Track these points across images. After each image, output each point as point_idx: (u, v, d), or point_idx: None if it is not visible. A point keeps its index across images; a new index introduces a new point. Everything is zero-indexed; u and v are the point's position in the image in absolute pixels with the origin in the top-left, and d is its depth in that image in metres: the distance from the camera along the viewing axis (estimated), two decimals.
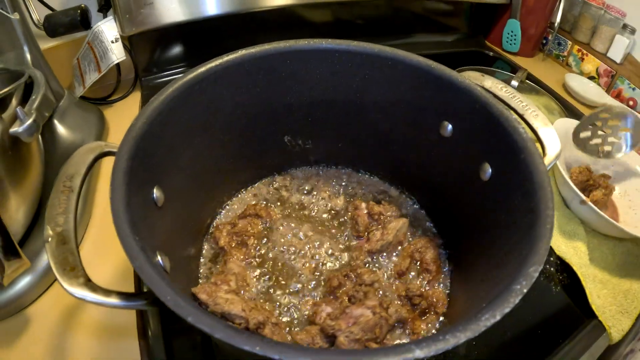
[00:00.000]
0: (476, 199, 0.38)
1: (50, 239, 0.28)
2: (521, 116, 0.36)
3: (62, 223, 0.29)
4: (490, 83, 0.39)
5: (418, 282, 0.41)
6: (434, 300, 0.38)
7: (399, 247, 0.44)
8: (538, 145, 0.35)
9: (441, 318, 0.39)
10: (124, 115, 0.70)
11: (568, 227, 0.54)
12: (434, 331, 0.38)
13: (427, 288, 0.41)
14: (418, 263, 0.43)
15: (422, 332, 0.37)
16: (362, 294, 0.37)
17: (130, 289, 0.45)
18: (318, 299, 0.39)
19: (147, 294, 0.26)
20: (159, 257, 0.28)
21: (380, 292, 0.40)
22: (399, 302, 0.39)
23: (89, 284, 0.26)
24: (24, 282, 0.44)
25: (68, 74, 0.75)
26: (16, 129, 0.42)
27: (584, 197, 0.51)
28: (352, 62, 0.41)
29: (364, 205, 0.46)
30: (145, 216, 0.28)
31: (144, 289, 0.42)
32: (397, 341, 0.36)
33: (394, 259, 0.43)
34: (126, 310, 0.44)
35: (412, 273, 0.42)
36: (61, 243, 0.27)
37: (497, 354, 0.42)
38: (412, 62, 0.40)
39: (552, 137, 0.35)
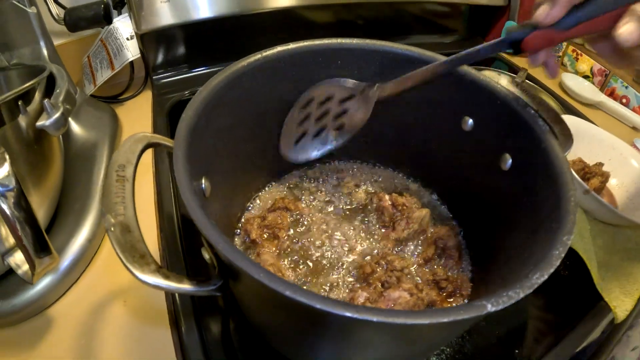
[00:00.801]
0: (497, 187, 0.42)
1: (113, 228, 0.27)
2: (536, 111, 0.40)
3: (122, 212, 0.28)
4: (506, 81, 0.43)
5: (443, 268, 0.45)
6: (459, 283, 0.42)
7: (422, 237, 0.48)
8: None
9: (466, 300, 0.42)
10: (135, 114, 0.71)
11: None
12: None
13: (451, 273, 0.44)
14: (441, 250, 0.46)
15: None
16: (395, 279, 0.40)
17: None
18: (352, 286, 0.42)
19: (216, 279, 0.28)
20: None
21: (409, 276, 0.43)
22: (427, 286, 0.42)
23: (161, 270, 0.26)
24: (46, 281, 0.44)
25: (76, 71, 0.76)
26: (43, 122, 0.41)
27: (587, 187, 0.55)
28: (380, 60, 0.44)
29: (387, 197, 0.49)
30: (201, 205, 0.30)
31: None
32: None
33: (419, 247, 0.47)
34: (155, 308, 0.45)
35: (437, 259, 0.46)
36: (126, 231, 0.27)
37: (511, 334, 0.45)
38: (436, 59, 0.43)
39: (565, 128, 0.39)
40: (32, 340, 0.42)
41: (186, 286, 0.27)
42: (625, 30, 0.29)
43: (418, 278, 0.43)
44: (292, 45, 0.42)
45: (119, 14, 0.68)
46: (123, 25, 0.66)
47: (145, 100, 0.74)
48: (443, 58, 0.43)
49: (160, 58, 0.73)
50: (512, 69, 0.89)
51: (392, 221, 0.47)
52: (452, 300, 0.42)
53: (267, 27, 0.77)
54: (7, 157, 0.34)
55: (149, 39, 0.69)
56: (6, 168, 0.33)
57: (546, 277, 0.24)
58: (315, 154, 0.46)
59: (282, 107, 0.45)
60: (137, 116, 0.71)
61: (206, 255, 0.31)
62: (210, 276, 0.29)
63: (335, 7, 0.82)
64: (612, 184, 0.65)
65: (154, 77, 0.74)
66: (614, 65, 0.36)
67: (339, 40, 0.44)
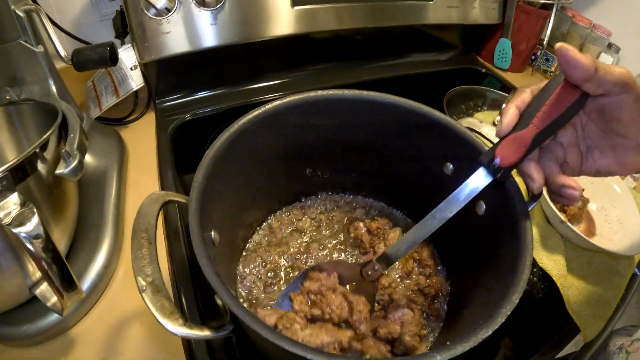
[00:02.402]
0: (470, 229, 0.48)
1: (145, 288, 0.33)
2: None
3: (150, 273, 0.34)
4: (487, 129, 0.49)
5: (422, 276, 0.54)
6: (439, 285, 0.52)
7: None
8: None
9: (447, 298, 0.52)
10: (140, 136, 0.77)
11: (550, 242, 0.65)
12: (445, 308, 0.51)
13: (429, 280, 0.53)
14: (417, 261, 0.55)
15: (435, 312, 0.51)
16: (387, 296, 0.48)
17: None
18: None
19: (229, 325, 0.35)
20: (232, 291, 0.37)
21: (397, 289, 0.51)
22: (415, 295, 0.51)
23: (187, 323, 0.32)
24: None
25: (80, 93, 0.81)
26: (62, 170, 0.45)
27: (563, 218, 0.62)
28: (369, 108, 0.50)
29: (361, 224, 0.57)
30: (214, 257, 0.37)
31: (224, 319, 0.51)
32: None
33: (399, 262, 0.55)
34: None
35: (415, 270, 0.54)
36: (156, 291, 0.33)
37: (485, 353, 0.53)
38: (421, 111, 0.49)
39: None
40: (55, 358, 0.48)
41: (207, 333, 0.34)
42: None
43: (405, 290, 0.52)
44: (289, 99, 0.48)
45: (122, 43, 0.73)
46: (126, 56, 0.71)
47: (148, 122, 0.79)
48: (426, 108, 0.49)
49: (162, 83, 0.78)
50: (504, 87, 0.95)
51: (371, 246, 0.55)
52: (435, 301, 0.51)
53: (266, 52, 0.83)
54: (34, 210, 0.40)
55: (152, 67, 0.75)
56: (35, 220, 0.39)
57: (491, 333, 0.31)
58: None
59: (279, 153, 0.52)
60: (142, 138, 0.76)
61: (219, 302, 0.38)
62: (224, 322, 0.36)
63: (332, 32, 0.86)
64: (592, 208, 0.72)
65: (157, 101, 0.79)
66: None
67: (332, 91, 0.50)
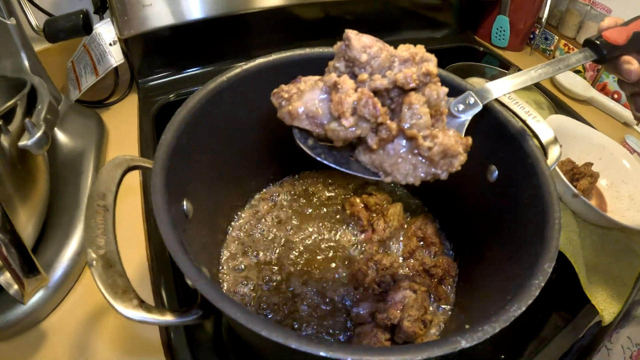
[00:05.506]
0: (482, 198, 0.42)
1: (95, 262, 0.27)
2: (524, 121, 0.39)
3: (103, 245, 0.28)
4: None
5: (428, 256, 0.46)
6: (446, 266, 0.44)
7: (401, 231, 0.49)
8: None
9: (456, 279, 0.45)
10: (122, 119, 0.70)
11: (562, 219, 0.58)
12: (452, 295, 0.44)
13: (436, 258, 0.46)
14: (422, 239, 0.48)
15: (444, 295, 0.43)
16: (389, 277, 0.41)
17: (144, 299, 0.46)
18: (351, 296, 0.43)
19: (197, 309, 0.28)
20: (205, 270, 0.29)
21: (401, 270, 0.44)
22: (420, 277, 0.44)
23: (144, 305, 0.26)
24: (38, 296, 0.44)
25: (61, 77, 0.74)
26: (25, 142, 0.41)
27: (576, 191, 0.55)
28: None
29: (358, 200, 0.49)
30: (184, 229, 0.30)
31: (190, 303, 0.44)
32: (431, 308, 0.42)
33: (401, 241, 0.48)
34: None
35: (420, 249, 0.47)
36: (107, 266, 0.27)
37: (497, 338, 0.46)
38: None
39: (552, 141, 0.38)
40: (26, 354, 0.42)
41: (168, 318, 0.28)
42: None
43: (408, 270, 0.44)
44: (273, 57, 0.41)
45: (101, 18, 0.66)
46: (105, 31, 0.64)
47: (131, 104, 0.72)
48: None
49: (145, 61, 0.72)
50: (503, 65, 0.88)
51: (369, 223, 0.48)
52: (443, 283, 0.44)
53: (255, 26, 0.76)
54: None
55: (133, 43, 0.68)
56: None
57: (524, 309, 0.24)
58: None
59: (265, 119, 0.44)
60: (124, 120, 0.70)
61: (190, 283, 0.30)
62: (192, 306, 0.29)
63: (324, 4, 0.80)
64: (602, 184, 0.65)
65: (139, 81, 0.73)
66: None
67: (320, 49, 0.43)
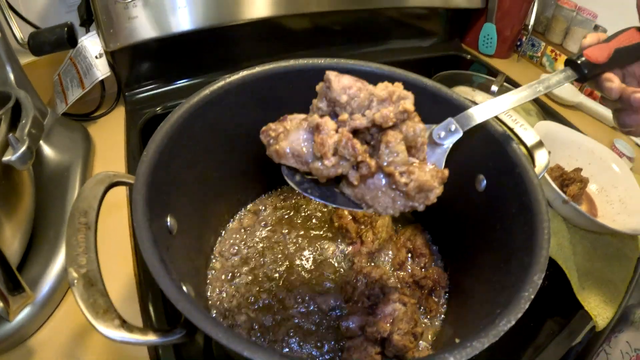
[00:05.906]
0: (471, 208, 0.41)
1: (76, 282, 0.27)
2: (511, 130, 0.39)
3: (85, 263, 0.28)
4: (482, 98, 0.42)
5: (417, 267, 0.46)
6: (437, 277, 0.44)
7: (389, 243, 0.48)
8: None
9: (447, 290, 0.44)
10: (108, 132, 0.69)
11: (552, 225, 0.57)
12: (443, 306, 0.43)
13: (425, 270, 0.45)
14: (411, 251, 0.47)
15: (434, 306, 0.43)
16: (379, 290, 0.40)
17: (132, 316, 0.45)
18: (340, 307, 0.42)
19: (181, 328, 0.27)
20: (185, 288, 0.29)
21: (390, 282, 0.43)
22: (410, 289, 0.43)
23: (125, 325, 0.26)
24: (25, 312, 0.43)
25: (48, 90, 0.73)
26: (9, 157, 0.40)
27: (565, 197, 0.55)
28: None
29: (346, 212, 0.49)
30: (167, 247, 0.29)
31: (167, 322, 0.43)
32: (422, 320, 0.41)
33: (390, 253, 0.47)
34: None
35: (409, 260, 0.46)
36: (89, 285, 0.26)
37: (494, 347, 0.45)
38: (408, 78, 0.42)
39: (540, 149, 0.38)
40: None
41: (151, 338, 0.27)
42: None
43: (398, 282, 0.43)
44: (257, 69, 0.41)
45: (87, 31, 0.65)
46: (91, 44, 0.63)
47: (118, 117, 0.71)
48: (412, 75, 0.42)
49: (132, 74, 0.71)
50: (491, 72, 0.89)
51: (358, 235, 0.47)
52: (433, 295, 0.43)
53: (243, 37, 0.76)
54: None
55: (119, 55, 0.67)
56: None
57: (513, 322, 0.24)
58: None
59: (250, 132, 0.44)
60: (111, 134, 0.69)
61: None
62: (175, 325, 0.28)
63: (312, 15, 0.80)
64: (592, 189, 0.65)
65: (126, 94, 0.72)
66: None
67: (305, 60, 0.42)
